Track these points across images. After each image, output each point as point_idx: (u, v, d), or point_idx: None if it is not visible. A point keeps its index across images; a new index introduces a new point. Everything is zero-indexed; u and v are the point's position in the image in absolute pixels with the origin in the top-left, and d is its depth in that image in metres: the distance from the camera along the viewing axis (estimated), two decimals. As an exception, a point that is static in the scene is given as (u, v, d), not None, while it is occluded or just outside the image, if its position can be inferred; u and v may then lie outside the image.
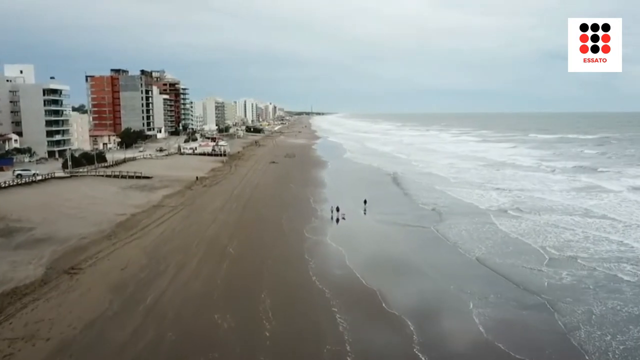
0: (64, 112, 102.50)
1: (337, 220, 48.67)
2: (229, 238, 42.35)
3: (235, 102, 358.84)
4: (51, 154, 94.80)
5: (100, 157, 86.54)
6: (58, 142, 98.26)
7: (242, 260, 36.68)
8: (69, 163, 77.71)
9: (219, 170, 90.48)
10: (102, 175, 73.11)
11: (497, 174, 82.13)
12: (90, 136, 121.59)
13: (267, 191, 67.34)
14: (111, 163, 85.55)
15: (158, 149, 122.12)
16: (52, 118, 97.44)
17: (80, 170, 75.91)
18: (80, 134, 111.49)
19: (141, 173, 75.50)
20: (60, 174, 71.93)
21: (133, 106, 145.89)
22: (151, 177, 75.48)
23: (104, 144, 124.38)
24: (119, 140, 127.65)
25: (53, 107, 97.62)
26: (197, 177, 77.93)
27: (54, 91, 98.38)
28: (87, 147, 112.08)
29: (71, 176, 71.39)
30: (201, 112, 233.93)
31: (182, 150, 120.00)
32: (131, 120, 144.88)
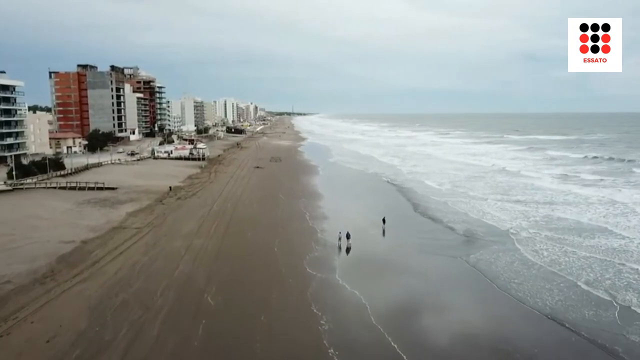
0: (18, 112, 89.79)
1: (348, 249, 38.30)
2: (206, 279, 31.82)
3: (215, 102, 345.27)
4: (2, 159, 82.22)
5: (57, 164, 74.46)
6: (10, 147, 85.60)
7: (225, 318, 26.28)
8: (14, 172, 64.80)
9: (196, 178, 79.44)
10: (55, 187, 61.26)
11: (496, 182, 73.05)
12: (51, 139, 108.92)
13: (253, 205, 56.78)
14: (69, 171, 73.57)
15: (129, 152, 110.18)
16: (3, 118, 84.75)
17: (28, 181, 63.39)
18: (38, 137, 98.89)
19: (103, 183, 64.05)
20: (1, 186, 59.52)
21: (102, 105, 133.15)
22: (116, 188, 64.16)
23: (68, 147, 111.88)
24: (86, 143, 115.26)
25: (3, 106, 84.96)
26: (170, 187, 66.89)
27: (5, 87, 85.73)
28: (47, 151, 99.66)
29: (14, 189, 58.97)
30: (179, 112, 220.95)
31: (155, 154, 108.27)
32: (100, 120, 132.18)
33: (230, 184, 72.41)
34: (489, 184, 71.01)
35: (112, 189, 63.80)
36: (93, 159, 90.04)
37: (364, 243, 40.04)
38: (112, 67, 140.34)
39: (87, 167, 79.59)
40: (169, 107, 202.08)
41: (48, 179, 66.50)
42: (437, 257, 37.04)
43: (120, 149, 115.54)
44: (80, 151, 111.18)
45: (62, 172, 71.83)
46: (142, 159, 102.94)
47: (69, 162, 78.17)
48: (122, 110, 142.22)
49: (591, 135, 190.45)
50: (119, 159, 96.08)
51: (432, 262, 36.27)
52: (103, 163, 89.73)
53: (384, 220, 45.54)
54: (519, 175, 79.33)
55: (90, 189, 62.22)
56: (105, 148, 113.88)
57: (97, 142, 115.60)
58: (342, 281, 31.78)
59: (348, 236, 38.56)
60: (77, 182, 63.37)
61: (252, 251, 38.37)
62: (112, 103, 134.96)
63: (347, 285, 30.97)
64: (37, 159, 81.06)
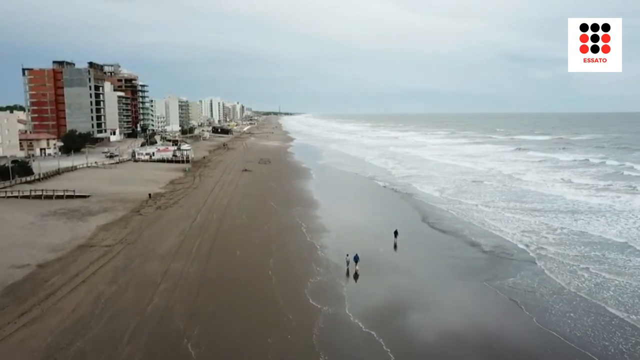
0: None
1: (355, 275, 32.35)
2: (187, 317, 25.74)
3: (200, 101, 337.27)
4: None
5: (23, 168, 67.33)
6: (-27, 149, 78.33)
7: (209, 378, 20.26)
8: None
9: (179, 183, 72.93)
10: (17, 196, 54.34)
11: (500, 188, 67.86)
12: (23, 140, 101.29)
13: (242, 215, 50.66)
14: (37, 176, 66.52)
15: (108, 154, 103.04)
16: (-34, 118, 77.37)
17: (-17, 189, 56.23)
18: (7, 138, 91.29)
19: (74, 191, 57.33)
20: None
21: (80, 104, 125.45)
22: (88, 196, 57.53)
23: (41, 149, 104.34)
24: (61, 144, 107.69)
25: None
26: (149, 195, 60.38)
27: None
28: (18, 153, 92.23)
29: (-33, 199, 52.16)
30: (163, 111, 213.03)
31: (136, 157, 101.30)
32: (78, 120, 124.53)
33: (216, 190, 66.13)
34: (492, 190, 65.68)
35: (84, 197, 57.16)
36: (67, 162, 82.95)
37: (375, 265, 34.17)
38: (91, 64, 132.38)
39: (58, 172, 72.50)
40: (152, 106, 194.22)
41: (10, 186, 59.40)
42: (463, 284, 31.33)
43: (106, 149, 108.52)
44: (55, 153, 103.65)
45: (29, 178, 64.69)
46: (121, 162, 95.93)
47: (38, 166, 71.04)
48: (102, 110, 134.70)
49: (581, 136, 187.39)
50: (95, 162, 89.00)
51: (459, 290, 30.51)
52: (78, 167, 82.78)
53: (395, 234, 39.89)
54: (521, 181, 74.25)
55: (58, 197, 55.46)
56: (83, 150, 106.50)
57: (74, 143, 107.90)
58: (354, 317, 25.96)
59: (356, 259, 32.52)
60: (43, 190, 56.47)
61: (242, 276, 32.32)
62: (91, 102, 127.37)
63: (362, 324, 25.17)
64: (3, 162, 73.91)
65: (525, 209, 52.14)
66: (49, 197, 55.15)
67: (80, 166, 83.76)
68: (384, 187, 69.74)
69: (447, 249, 39.26)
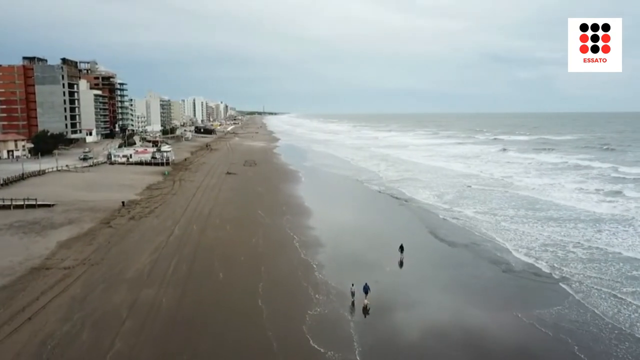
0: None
1: (365, 309, 26.89)
2: (155, 372, 20.21)
3: (183, 101, 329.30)
4: None
5: (-18, 174, 60.66)
6: None
7: None
8: None
9: (157, 188, 66.90)
10: (-31, 207, 48.04)
11: (504, 194, 63.52)
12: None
13: (226, 227, 45.09)
14: (-4, 183, 60.06)
15: (81, 156, 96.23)
16: None
17: None
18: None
19: (36, 200, 51.07)
20: None
21: (52, 103, 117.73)
22: (53, 205, 51.34)
23: (9, 151, 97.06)
24: (31, 146, 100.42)
25: None
26: (123, 203, 54.39)
27: None
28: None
29: None
30: (144, 111, 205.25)
31: (112, 159, 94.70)
32: (51, 120, 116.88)
33: (198, 196, 60.37)
34: (493, 196, 61.20)
35: (48, 206, 50.96)
36: (35, 165, 76.24)
37: (383, 291, 28.88)
38: (64, 60, 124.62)
39: (22, 177, 65.94)
40: (132, 105, 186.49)
41: (-36, 194, 52.96)
42: (493, 316, 26.26)
43: (86, 150, 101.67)
44: (24, 155, 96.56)
45: (-13, 185, 58.24)
46: (95, 165, 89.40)
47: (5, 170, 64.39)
48: (77, 109, 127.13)
49: (564, 136, 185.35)
50: (66, 165, 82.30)
51: (491, 325, 25.36)
52: (47, 170, 76.22)
53: (401, 249, 34.84)
54: (525, 187, 70.02)
55: (17, 207, 49.22)
56: (56, 152, 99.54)
57: (45, 145, 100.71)
58: (368, 367, 20.73)
59: (366, 290, 26.99)
60: (1, 199, 50.15)
61: (226, 308, 26.84)
62: (64, 100, 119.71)
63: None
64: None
65: (538, 218, 47.53)
66: (6, 207, 48.93)
67: (50, 170, 77.17)
68: (380, 192, 64.73)
69: (460, 266, 34.37)
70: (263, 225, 45.80)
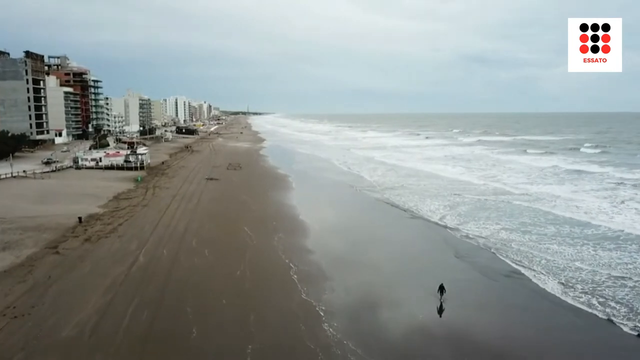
0: None
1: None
2: None
3: (165, 100, 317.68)
4: None
5: None
6: None
7: None
8: None
9: (126, 198, 57.48)
10: None
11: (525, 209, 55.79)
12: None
13: (204, 251, 36.14)
14: None
15: (44, 160, 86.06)
16: None
17: None
18: None
19: (-32, 217, 41.48)
20: None
21: (15, 101, 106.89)
22: (-9, 222, 41.74)
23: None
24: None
25: None
26: (80, 219, 44.98)
27: None
28: None
29: None
30: (122, 110, 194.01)
31: (79, 162, 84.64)
32: (13, 120, 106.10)
33: (172, 208, 51.25)
34: (512, 209, 53.27)
35: (-16, 224, 41.37)
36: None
37: (426, 356, 20.40)
38: (28, 54, 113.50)
39: (-36, 186, 55.89)
40: (107, 104, 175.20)
41: None
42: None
43: (51, 153, 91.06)
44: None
45: None
46: (59, 170, 79.47)
47: None
48: (43, 107, 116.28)
49: (547, 136, 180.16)
50: (24, 171, 72.22)
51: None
52: (1, 177, 66.32)
53: (441, 290, 26.32)
54: (544, 200, 62.36)
55: (-57, 226, 39.53)
56: (16, 154, 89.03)
57: (5, 146, 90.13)
58: None
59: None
60: None
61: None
62: (29, 98, 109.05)
63: None
64: None
65: (585, 237, 39.59)
66: None
67: (4, 176, 67.21)
68: (385, 203, 56.35)
69: (516, 309, 26.26)
70: (250, 247, 36.96)
